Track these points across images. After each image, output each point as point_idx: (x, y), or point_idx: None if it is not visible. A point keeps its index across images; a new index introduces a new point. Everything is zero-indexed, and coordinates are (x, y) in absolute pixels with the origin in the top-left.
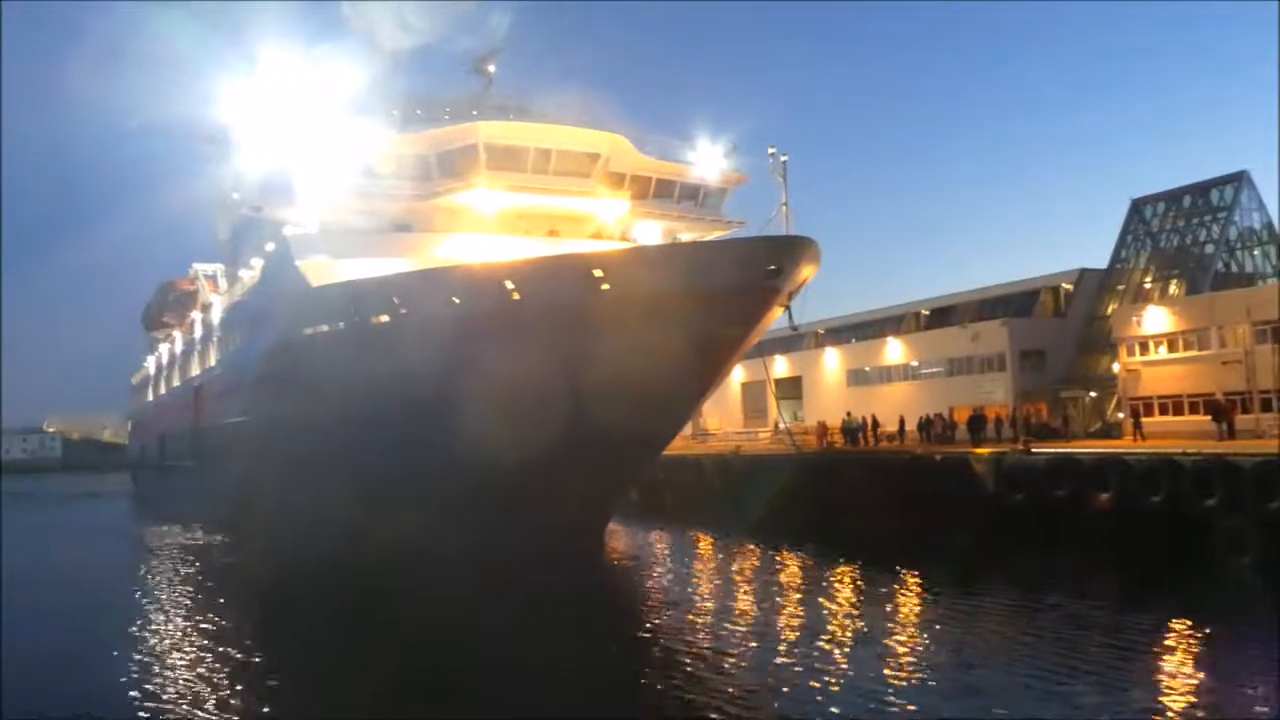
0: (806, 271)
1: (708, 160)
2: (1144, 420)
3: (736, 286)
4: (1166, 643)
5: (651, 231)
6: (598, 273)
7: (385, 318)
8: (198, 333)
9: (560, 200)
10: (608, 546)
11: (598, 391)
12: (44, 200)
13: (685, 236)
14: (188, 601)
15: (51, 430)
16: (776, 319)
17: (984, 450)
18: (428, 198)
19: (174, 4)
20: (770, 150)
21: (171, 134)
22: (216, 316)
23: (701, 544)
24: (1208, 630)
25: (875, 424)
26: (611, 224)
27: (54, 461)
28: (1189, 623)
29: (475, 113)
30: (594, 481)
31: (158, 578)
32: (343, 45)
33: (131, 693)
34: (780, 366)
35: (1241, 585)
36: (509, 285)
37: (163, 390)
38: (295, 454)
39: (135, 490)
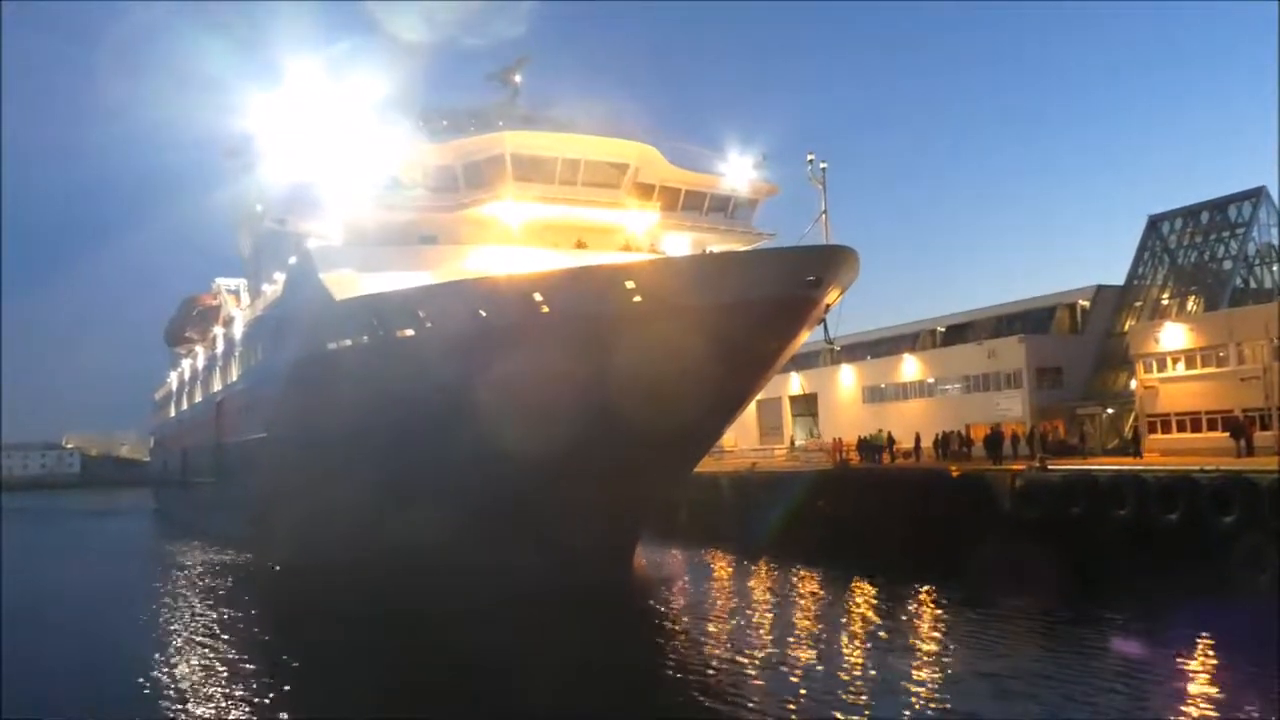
0: (845, 283)
1: (738, 171)
2: (1162, 437)
3: (775, 298)
4: (1184, 661)
5: (681, 244)
6: (629, 284)
7: (410, 331)
8: (220, 348)
9: (588, 212)
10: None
11: (629, 406)
12: (65, 215)
13: (715, 249)
14: (211, 616)
15: (70, 446)
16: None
17: (1001, 467)
18: (453, 209)
19: (194, 12)
20: (809, 157)
21: (195, 146)
22: (239, 331)
23: (719, 563)
24: (1228, 649)
25: (891, 441)
26: (640, 236)
27: (72, 478)
28: (1208, 640)
29: (501, 123)
30: (624, 498)
31: (181, 593)
32: (364, 41)
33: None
34: (796, 384)
35: (1260, 602)
36: (537, 297)
37: (185, 406)
38: (318, 469)
39: (158, 507)
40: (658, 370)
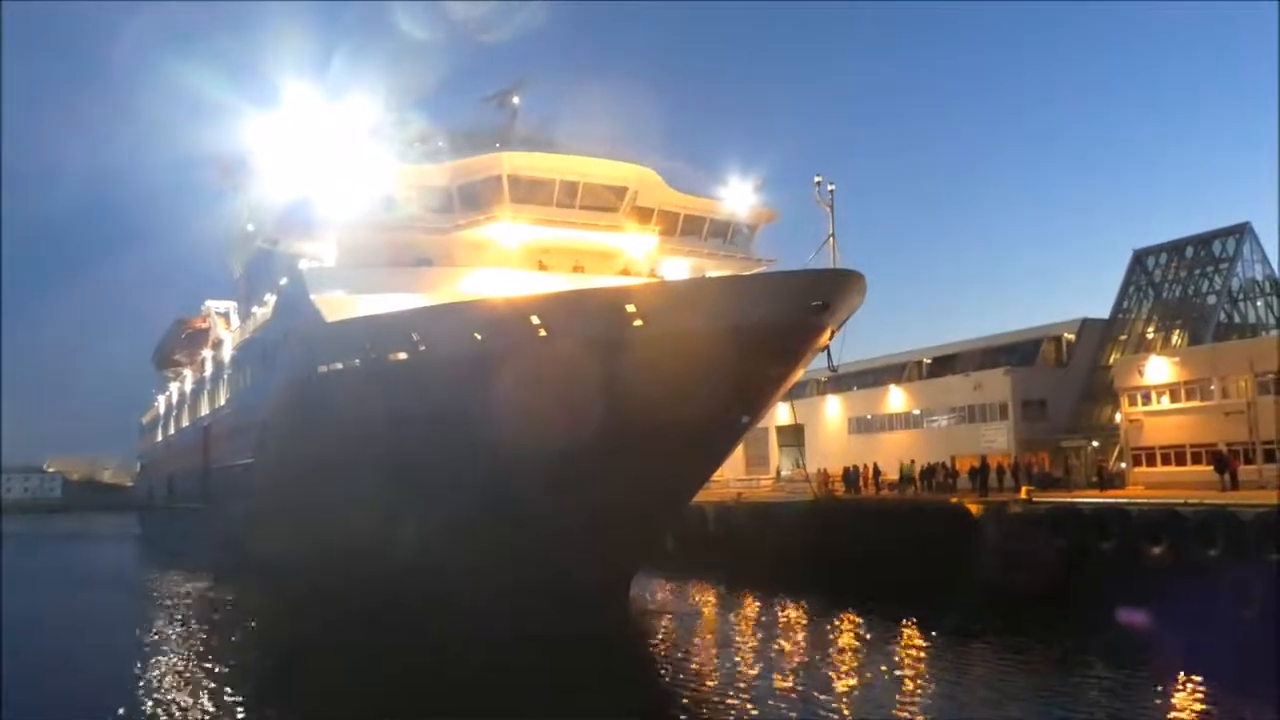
0: (852, 308)
1: (737, 196)
2: (1147, 470)
3: (780, 323)
4: (1174, 698)
5: (679, 269)
6: (630, 308)
7: (403, 355)
8: (208, 371)
9: (586, 235)
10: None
11: (629, 434)
12: (51, 237)
13: (714, 275)
14: (201, 647)
15: (52, 471)
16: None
17: (987, 500)
18: (449, 231)
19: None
20: (816, 179)
21: (186, 166)
22: (228, 354)
23: (706, 595)
24: (1215, 681)
25: (877, 472)
26: (639, 260)
27: (54, 502)
28: (1193, 677)
29: (498, 145)
30: (622, 526)
31: (164, 624)
32: (370, 41)
33: None
34: (783, 413)
35: (1245, 636)
36: (535, 320)
37: (172, 430)
38: (307, 496)
39: (143, 532)
40: (659, 396)
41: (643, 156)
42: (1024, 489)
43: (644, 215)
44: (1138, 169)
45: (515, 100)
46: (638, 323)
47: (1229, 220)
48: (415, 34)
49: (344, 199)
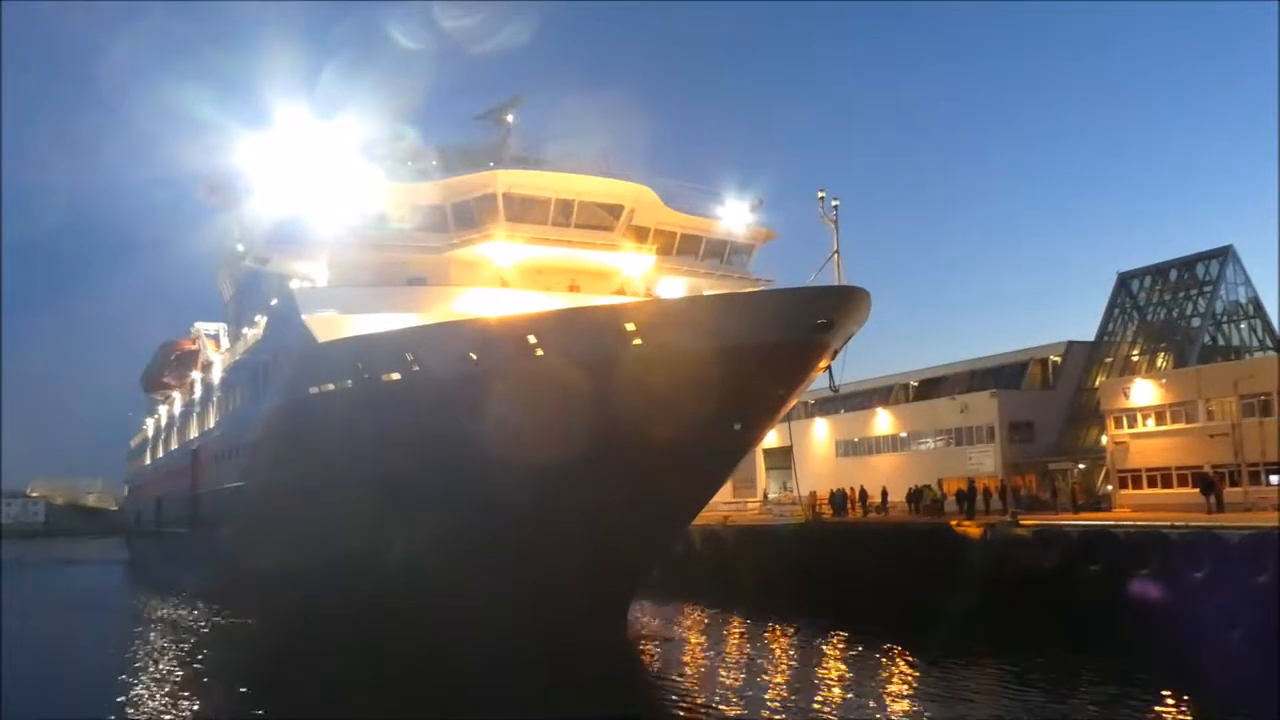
0: (856, 326)
1: (734, 215)
2: (1133, 492)
3: (783, 341)
4: (1164, 717)
5: (676, 288)
6: (629, 326)
7: (396, 375)
8: (197, 393)
9: (582, 254)
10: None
11: (627, 454)
12: (35, 256)
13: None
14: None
15: (35, 495)
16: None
17: (974, 522)
18: (442, 249)
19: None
20: (820, 194)
21: (175, 184)
22: (217, 376)
23: (694, 618)
24: (1203, 703)
25: (864, 495)
26: (636, 279)
27: (36, 527)
28: (1183, 696)
29: (492, 163)
30: (622, 549)
31: (155, 646)
32: (365, 53)
33: None
34: (769, 436)
35: (1231, 659)
36: (531, 340)
37: (161, 453)
38: (297, 520)
39: (130, 558)
40: (657, 416)
41: (639, 174)
42: (1010, 511)
43: (640, 234)
44: (1122, 192)
45: (509, 118)
46: (636, 341)
47: (1212, 243)
48: (406, 45)
49: (335, 217)
